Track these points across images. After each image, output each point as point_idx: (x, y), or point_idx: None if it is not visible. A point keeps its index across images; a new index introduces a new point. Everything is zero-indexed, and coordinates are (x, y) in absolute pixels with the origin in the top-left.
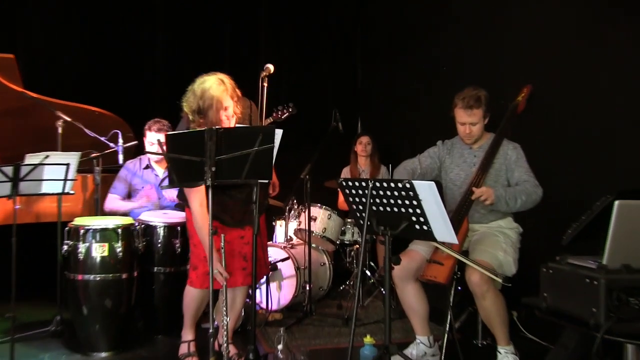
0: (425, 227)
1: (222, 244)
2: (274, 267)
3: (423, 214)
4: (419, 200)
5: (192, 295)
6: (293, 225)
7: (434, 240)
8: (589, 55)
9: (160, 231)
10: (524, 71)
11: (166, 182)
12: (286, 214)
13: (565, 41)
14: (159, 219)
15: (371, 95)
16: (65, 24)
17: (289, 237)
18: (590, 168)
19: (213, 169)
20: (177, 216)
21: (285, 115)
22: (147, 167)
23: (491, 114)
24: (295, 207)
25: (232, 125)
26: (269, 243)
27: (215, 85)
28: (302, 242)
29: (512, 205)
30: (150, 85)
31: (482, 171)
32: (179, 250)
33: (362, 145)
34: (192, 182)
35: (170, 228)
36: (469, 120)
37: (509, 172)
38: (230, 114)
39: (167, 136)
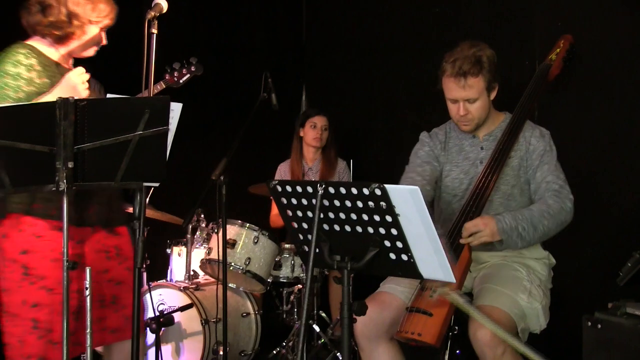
0: (404, 257)
1: (88, 282)
2: (168, 320)
3: (401, 237)
4: (394, 215)
5: None
6: (199, 254)
7: (419, 277)
8: None
9: None
10: (563, 13)
11: None
12: (188, 236)
13: None
14: None
15: (323, 53)
16: None
17: (192, 273)
18: None
19: (70, 164)
20: None
21: (185, 77)
22: None
23: (503, 82)
24: (203, 225)
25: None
26: (161, 282)
27: None
28: (212, 280)
29: (531, 238)
30: None
31: (493, 170)
32: None
33: (316, 131)
34: (36, 186)
35: None
36: (462, 95)
37: (529, 168)
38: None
39: None
